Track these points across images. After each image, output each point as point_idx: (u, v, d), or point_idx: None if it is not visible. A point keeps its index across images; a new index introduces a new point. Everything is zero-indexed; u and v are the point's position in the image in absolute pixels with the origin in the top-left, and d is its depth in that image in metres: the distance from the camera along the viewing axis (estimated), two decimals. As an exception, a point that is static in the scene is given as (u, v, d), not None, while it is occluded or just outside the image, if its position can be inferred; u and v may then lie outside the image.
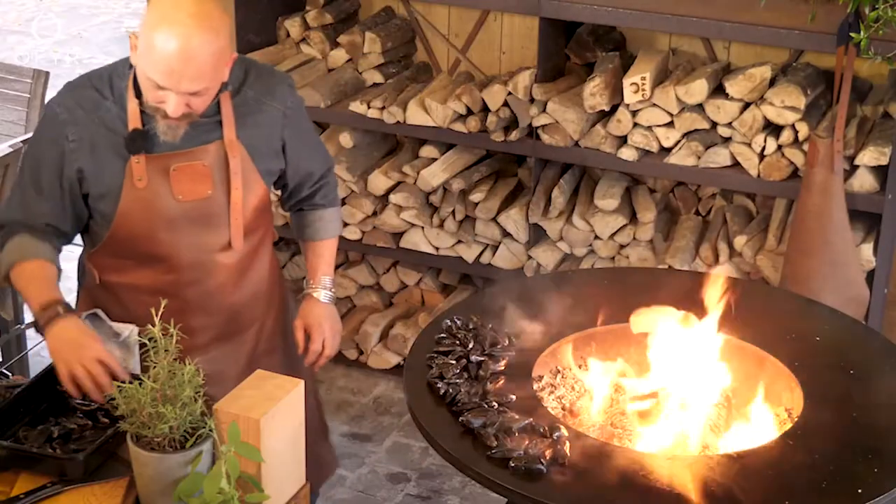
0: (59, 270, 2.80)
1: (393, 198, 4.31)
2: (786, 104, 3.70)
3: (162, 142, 2.67)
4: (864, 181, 3.69)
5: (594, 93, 3.89)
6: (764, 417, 2.75)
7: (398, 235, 4.39)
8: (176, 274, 2.79)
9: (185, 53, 2.50)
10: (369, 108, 4.23)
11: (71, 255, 2.95)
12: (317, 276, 3.03)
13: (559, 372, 2.89)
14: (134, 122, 2.67)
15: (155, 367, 2.23)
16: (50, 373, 2.57)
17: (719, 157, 3.85)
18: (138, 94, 2.65)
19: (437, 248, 4.34)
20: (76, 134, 2.68)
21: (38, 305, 2.65)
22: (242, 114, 2.76)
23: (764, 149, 3.76)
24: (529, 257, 4.20)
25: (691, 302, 2.88)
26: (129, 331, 2.72)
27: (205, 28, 2.52)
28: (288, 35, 4.53)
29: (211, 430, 2.23)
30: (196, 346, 2.68)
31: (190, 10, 2.52)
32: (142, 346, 2.28)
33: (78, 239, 2.90)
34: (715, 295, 2.86)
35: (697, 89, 3.79)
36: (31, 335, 4.42)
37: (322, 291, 3.02)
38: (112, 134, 2.68)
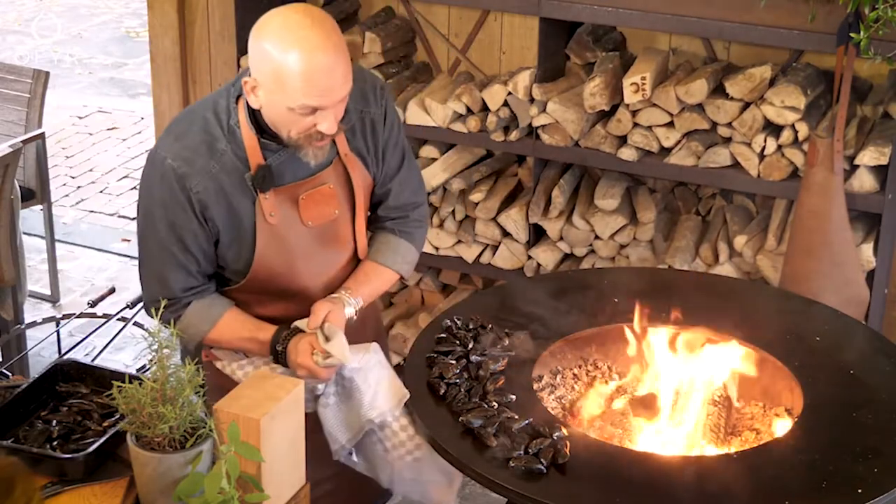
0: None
1: (393, 198, 4.31)
2: (786, 104, 3.70)
3: (284, 174, 2.60)
4: (864, 181, 3.69)
5: (594, 93, 3.89)
6: (764, 417, 2.76)
7: (398, 235, 4.38)
8: (312, 296, 2.73)
9: (328, 63, 2.44)
10: (369, 108, 4.23)
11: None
12: (354, 289, 2.76)
13: (559, 372, 2.89)
14: (255, 157, 2.58)
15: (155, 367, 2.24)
16: (50, 373, 2.57)
17: (719, 157, 3.85)
18: (253, 123, 2.57)
19: (437, 248, 4.34)
20: (199, 185, 2.56)
21: (267, 345, 2.67)
22: (346, 124, 2.65)
23: (764, 149, 3.76)
24: (529, 257, 4.20)
25: (691, 302, 2.88)
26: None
27: (327, 31, 2.49)
28: (288, 35, 4.53)
29: (211, 430, 2.23)
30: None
31: (304, 24, 2.46)
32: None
33: None
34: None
35: (697, 89, 3.79)
36: (31, 335, 4.42)
37: (349, 308, 2.73)
38: (233, 174, 2.58)
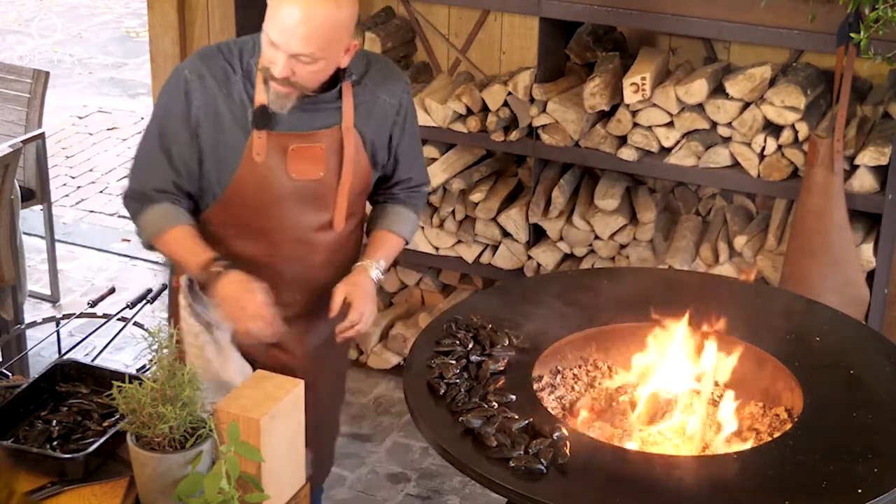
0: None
1: (393, 198, 4.31)
2: (786, 104, 3.70)
3: (284, 122, 2.76)
4: (864, 181, 3.69)
5: (594, 93, 3.89)
6: (763, 418, 2.75)
7: (398, 235, 4.38)
8: (277, 248, 2.87)
9: (300, 13, 2.59)
10: (369, 108, 4.23)
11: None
12: (376, 255, 2.95)
13: (559, 372, 2.89)
14: (261, 98, 2.74)
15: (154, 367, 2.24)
16: (50, 373, 2.57)
17: (719, 157, 3.85)
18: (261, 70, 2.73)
19: (437, 248, 4.34)
20: (201, 101, 2.76)
21: (197, 267, 2.76)
22: (361, 103, 2.83)
23: (764, 149, 3.76)
24: (529, 257, 4.20)
25: (692, 302, 2.88)
26: None
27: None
28: (288, 35, 4.53)
29: (211, 430, 2.23)
30: (286, 320, 2.78)
31: None
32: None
33: None
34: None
35: (697, 89, 3.79)
36: (31, 335, 4.42)
37: (375, 270, 2.92)
38: (237, 107, 2.76)
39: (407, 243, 3.07)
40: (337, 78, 2.78)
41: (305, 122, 2.78)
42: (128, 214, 2.91)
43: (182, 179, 2.81)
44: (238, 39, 2.86)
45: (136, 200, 2.83)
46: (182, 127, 2.77)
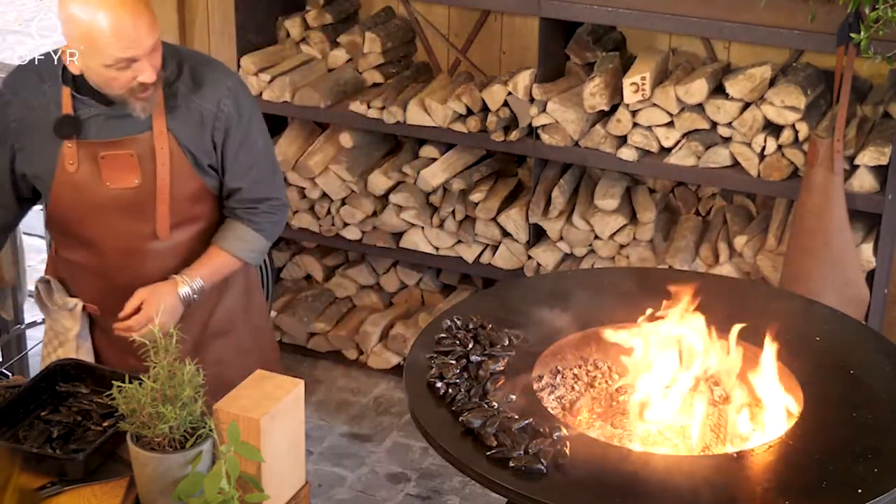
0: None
1: (393, 198, 4.32)
2: (786, 104, 3.70)
3: (92, 130, 2.76)
4: (864, 181, 3.69)
5: (594, 93, 3.89)
6: (764, 417, 2.75)
7: (398, 235, 4.39)
8: (103, 258, 2.88)
9: (132, 15, 2.58)
10: (369, 108, 4.23)
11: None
12: (194, 271, 2.88)
13: (559, 372, 2.89)
14: (66, 108, 2.75)
15: (155, 367, 2.24)
16: (50, 373, 2.57)
17: (719, 157, 3.84)
18: (67, 82, 2.74)
19: (437, 248, 4.34)
20: (17, 115, 2.80)
21: None
22: (172, 107, 2.79)
23: (764, 149, 3.76)
24: (529, 257, 4.20)
25: (691, 302, 2.88)
26: (73, 303, 2.95)
27: None
28: (288, 35, 4.53)
29: (211, 430, 2.23)
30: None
31: None
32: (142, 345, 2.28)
33: None
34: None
35: (697, 89, 3.79)
36: (31, 335, 4.42)
37: (185, 286, 2.85)
38: (47, 117, 2.77)
39: (247, 263, 2.97)
40: None
41: (115, 128, 2.76)
42: None
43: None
44: (42, 55, 2.86)
45: None
46: (1, 142, 2.82)
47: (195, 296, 2.87)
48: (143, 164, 2.79)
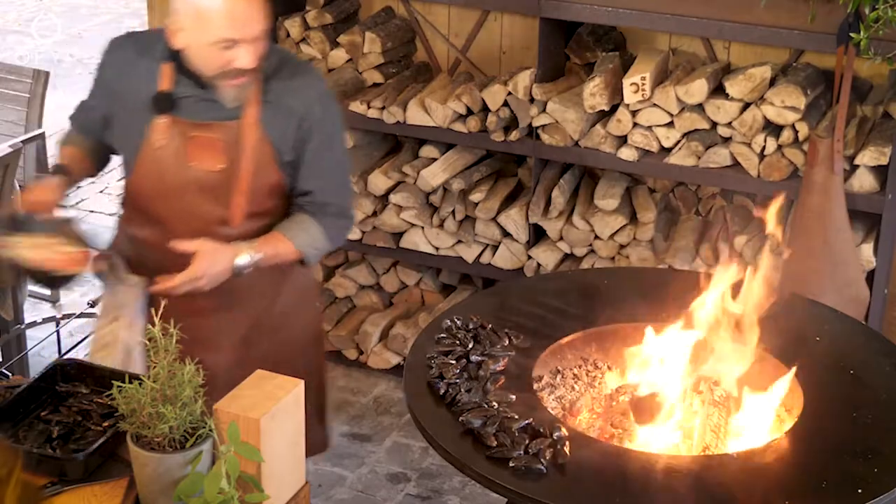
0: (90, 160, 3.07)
1: (393, 198, 4.32)
2: (786, 104, 3.70)
3: (185, 110, 2.79)
4: (864, 181, 3.69)
5: (594, 93, 3.89)
6: (764, 417, 2.75)
7: (398, 235, 4.39)
8: (171, 238, 2.84)
9: None
10: (369, 108, 4.24)
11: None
12: (256, 244, 2.85)
13: (559, 372, 2.89)
14: (165, 83, 2.79)
15: (155, 367, 2.24)
16: (50, 373, 2.57)
17: (719, 157, 3.85)
18: (172, 58, 2.77)
19: (437, 248, 4.35)
20: (113, 82, 2.88)
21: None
22: (267, 101, 2.82)
23: (764, 149, 3.76)
24: (529, 257, 4.20)
25: (691, 302, 2.88)
26: (136, 280, 2.94)
27: None
28: (288, 35, 4.53)
29: (211, 430, 2.23)
30: (194, 310, 2.78)
31: None
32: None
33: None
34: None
35: (697, 89, 3.79)
36: (31, 335, 4.42)
37: (245, 254, 2.82)
38: (140, 92, 2.81)
39: (302, 257, 2.92)
40: None
41: (207, 111, 2.80)
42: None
43: (89, 119, 3.00)
44: (154, 29, 2.94)
45: (70, 119, 3.12)
46: (99, 77, 2.93)
47: (247, 270, 2.84)
48: (229, 150, 2.82)
